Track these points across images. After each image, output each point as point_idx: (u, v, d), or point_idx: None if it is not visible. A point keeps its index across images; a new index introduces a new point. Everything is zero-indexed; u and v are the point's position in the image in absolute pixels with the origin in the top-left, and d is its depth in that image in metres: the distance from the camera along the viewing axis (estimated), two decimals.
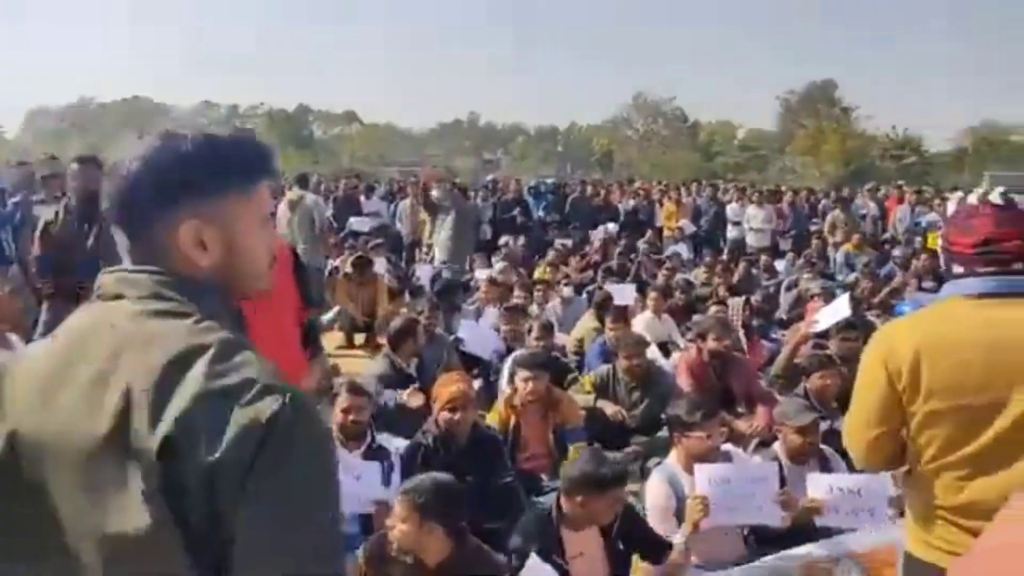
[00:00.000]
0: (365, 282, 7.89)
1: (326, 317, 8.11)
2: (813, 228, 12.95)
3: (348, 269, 8.05)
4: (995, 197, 3.21)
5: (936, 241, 11.17)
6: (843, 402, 4.26)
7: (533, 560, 2.52)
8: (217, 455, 0.88)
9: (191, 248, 1.03)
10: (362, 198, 12.93)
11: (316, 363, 3.21)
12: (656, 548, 2.88)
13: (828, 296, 6.50)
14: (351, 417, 3.45)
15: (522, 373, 4.24)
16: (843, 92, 48.36)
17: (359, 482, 3.10)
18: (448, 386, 3.58)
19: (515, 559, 2.61)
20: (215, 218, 1.05)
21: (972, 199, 3.16)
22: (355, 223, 11.10)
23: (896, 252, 10.81)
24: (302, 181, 8.51)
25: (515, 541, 2.74)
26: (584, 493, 2.74)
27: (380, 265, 8.75)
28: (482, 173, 27.30)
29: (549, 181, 16.63)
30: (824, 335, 5.19)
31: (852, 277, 9.20)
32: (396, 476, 3.30)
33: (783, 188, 17.41)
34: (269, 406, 0.90)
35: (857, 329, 4.99)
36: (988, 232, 1.82)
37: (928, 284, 8.13)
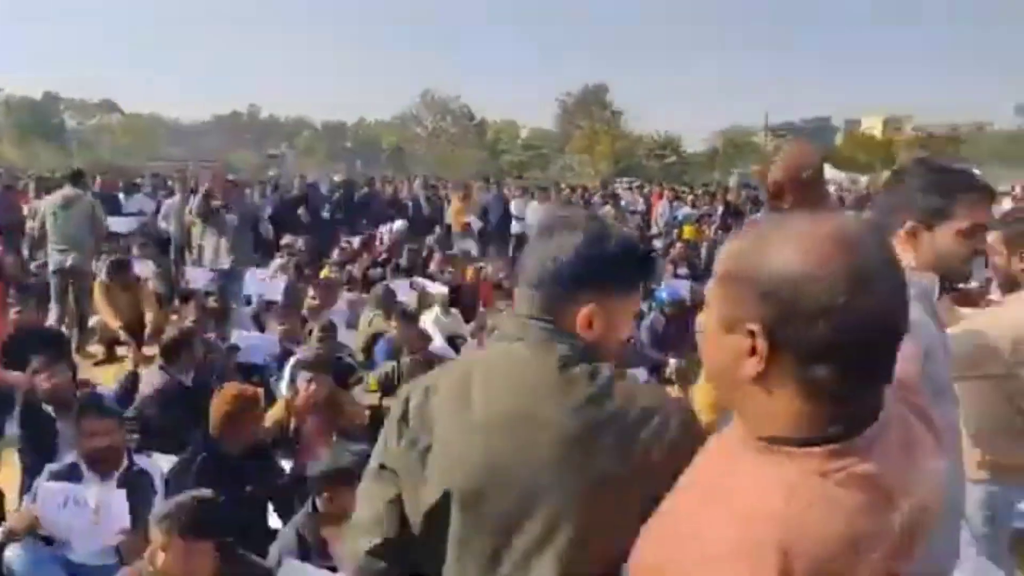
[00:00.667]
0: (127, 287, 7.19)
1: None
2: None
3: (104, 275, 7.29)
4: None
5: (691, 232, 12.56)
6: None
7: (287, 563, 2.45)
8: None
9: (583, 324, 1.26)
10: (122, 196, 11.77)
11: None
12: None
13: None
14: (96, 443, 3.11)
15: (303, 375, 4.11)
16: (614, 95, 52.15)
17: (99, 514, 2.81)
18: (226, 401, 3.37)
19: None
20: (607, 307, 1.27)
21: None
22: (114, 223, 10.07)
23: (657, 243, 11.90)
24: (76, 178, 7.69)
25: (272, 554, 2.66)
26: (331, 488, 2.71)
27: (145, 269, 8.02)
28: (265, 168, 26.00)
29: (336, 178, 16.23)
30: None
31: None
32: (160, 499, 3.05)
33: (562, 185, 18.37)
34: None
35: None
36: None
37: (683, 271, 9.01)
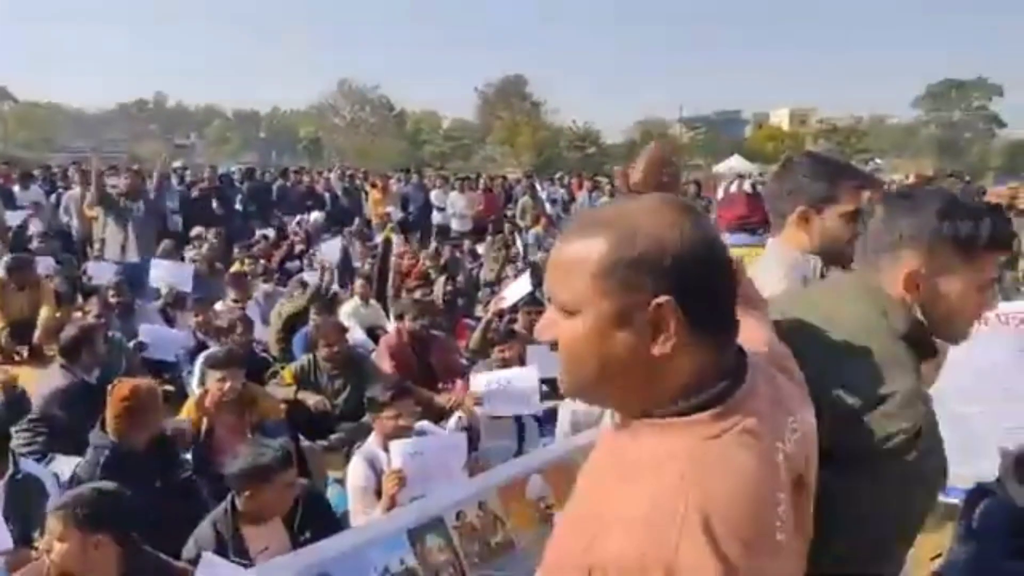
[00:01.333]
0: (24, 286, 6.82)
1: None
2: (509, 213, 13.90)
3: (1, 272, 6.88)
4: (747, 187, 4.01)
5: None
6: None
7: (205, 557, 2.39)
8: None
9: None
10: (16, 188, 11.09)
11: None
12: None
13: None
14: None
15: (214, 374, 3.98)
16: (533, 87, 52.42)
17: None
18: (124, 398, 3.23)
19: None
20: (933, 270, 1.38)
21: (733, 188, 3.88)
22: (10, 217, 9.50)
23: None
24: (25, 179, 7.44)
25: (189, 549, 2.59)
26: (249, 486, 2.67)
27: (45, 266, 7.61)
28: (175, 159, 24.97)
29: (242, 168, 15.73)
30: (515, 309, 5.64)
31: (540, 256, 10.04)
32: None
33: (483, 176, 18.40)
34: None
35: (540, 303, 5.47)
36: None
37: None
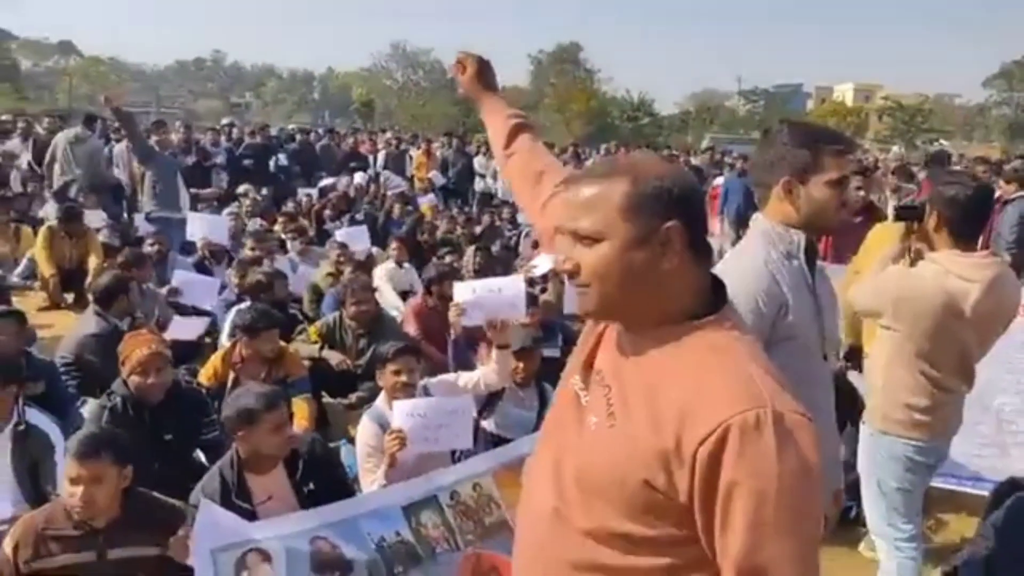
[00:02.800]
0: (74, 235, 7.03)
1: (16, 272, 7.16)
2: None
3: (54, 221, 7.11)
4: None
5: None
6: (549, 332, 4.66)
7: (204, 505, 2.44)
8: None
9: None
10: None
11: None
12: (339, 491, 2.92)
13: None
14: None
15: (243, 337, 4.04)
16: (587, 54, 51.59)
17: None
18: (138, 348, 3.28)
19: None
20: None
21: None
22: (57, 170, 9.72)
23: None
24: (89, 121, 8.30)
25: (195, 495, 2.65)
26: (238, 428, 2.71)
27: (96, 217, 7.82)
28: (230, 118, 25.35)
29: (291, 128, 15.84)
30: (545, 278, 5.60)
31: None
32: (59, 457, 2.88)
33: None
34: None
35: None
36: None
37: None
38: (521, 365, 3.74)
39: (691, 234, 1.17)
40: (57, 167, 8.67)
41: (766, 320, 1.79)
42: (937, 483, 3.73)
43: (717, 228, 9.75)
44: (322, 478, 2.86)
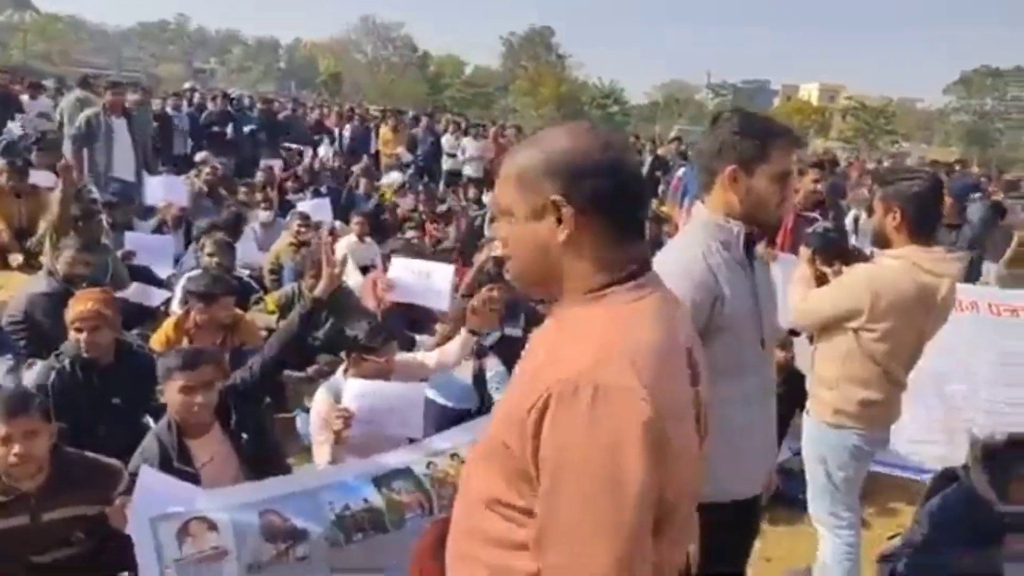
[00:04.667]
0: (22, 194, 6.81)
1: None
2: None
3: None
4: None
5: None
6: (512, 312, 4.67)
7: (144, 471, 2.40)
8: None
9: None
10: (25, 97, 10.99)
11: None
12: (269, 447, 2.93)
13: None
14: None
15: (197, 304, 3.94)
16: (560, 39, 51.45)
17: None
18: (80, 304, 3.20)
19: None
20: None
21: None
22: (12, 127, 9.43)
23: None
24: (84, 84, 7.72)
25: (135, 461, 2.59)
26: (161, 383, 2.68)
27: (45, 179, 7.58)
28: (192, 83, 24.68)
29: (249, 96, 15.52)
30: None
31: None
32: None
33: (497, 124, 18.12)
34: None
35: None
36: None
37: None
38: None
39: (591, 210, 1.15)
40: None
41: (702, 311, 1.80)
42: (882, 470, 3.87)
43: (681, 218, 9.85)
44: (253, 425, 2.84)
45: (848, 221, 7.45)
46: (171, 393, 2.63)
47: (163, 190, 6.69)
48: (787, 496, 3.59)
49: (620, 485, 1.03)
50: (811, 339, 3.27)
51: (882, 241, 2.67)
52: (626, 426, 1.03)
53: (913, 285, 2.56)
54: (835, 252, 3.29)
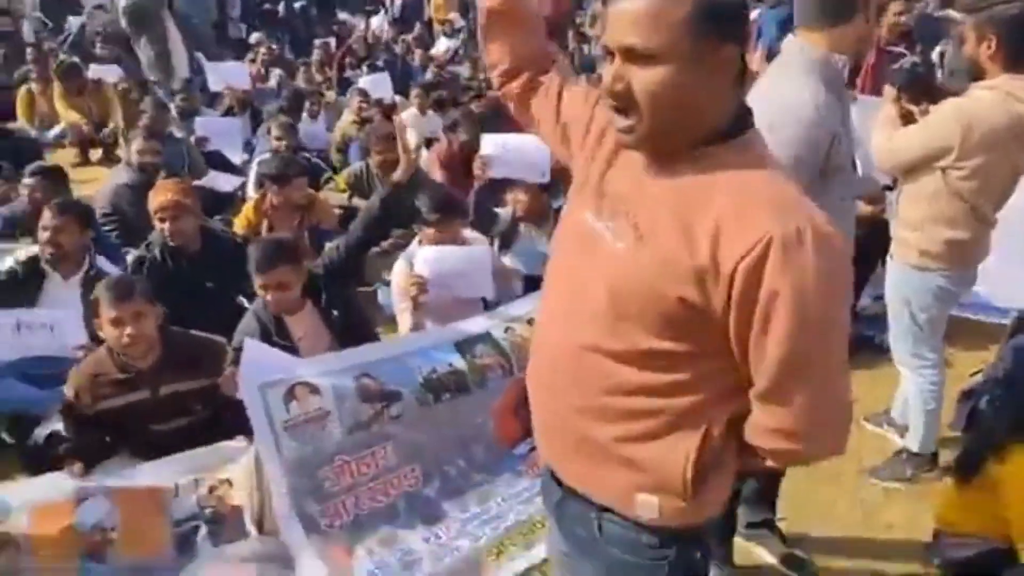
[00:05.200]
0: (85, 91, 6.96)
1: (51, 133, 7.17)
2: (578, 20, 13.05)
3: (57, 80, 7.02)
4: None
5: None
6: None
7: (248, 343, 2.56)
8: None
9: None
10: None
11: None
12: (359, 320, 3.06)
13: None
14: (58, 239, 3.14)
15: (271, 186, 4.04)
16: None
17: (55, 332, 2.80)
18: (160, 195, 3.33)
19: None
20: None
21: None
22: (73, 21, 9.48)
23: None
24: None
25: (236, 339, 2.76)
26: (260, 276, 2.77)
27: (112, 72, 7.69)
28: None
29: None
30: None
31: None
32: None
33: None
34: None
35: None
36: None
37: None
38: (526, 199, 3.82)
39: (737, 44, 1.13)
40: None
41: (820, 151, 1.78)
42: (967, 315, 3.79)
43: (755, 62, 9.34)
44: (343, 303, 2.97)
45: (934, 55, 6.91)
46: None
47: (224, 76, 6.71)
48: (867, 340, 3.60)
49: (845, 320, 1.13)
50: (894, 183, 3.16)
51: (975, 72, 2.49)
52: (846, 267, 1.12)
53: (1007, 116, 2.41)
54: (922, 89, 3.08)
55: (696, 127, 1.15)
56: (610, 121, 1.20)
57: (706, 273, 1.09)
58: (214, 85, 6.80)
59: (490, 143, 3.79)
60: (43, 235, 3.15)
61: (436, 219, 3.31)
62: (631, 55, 1.11)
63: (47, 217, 3.17)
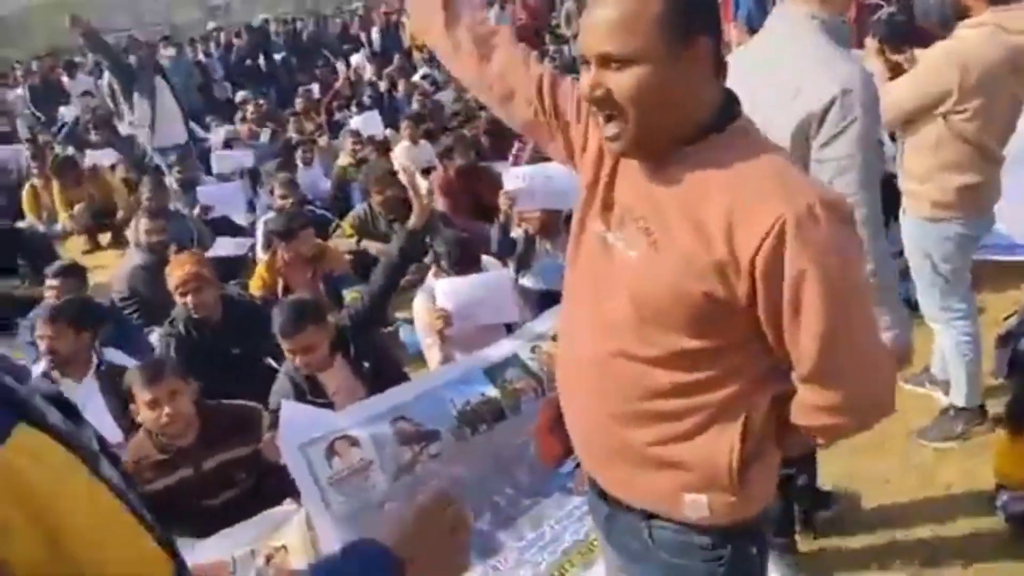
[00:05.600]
0: (83, 180, 7.05)
1: (57, 226, 7.28)
2: (553, 23, 13.09)
3: (53, 175, 7.09)
4: None
5: None
6: None
7: (285, 405, 2.58)
8: None
9: None
10: (64, 79, 11.18)
11: None
12: (390, 366, 3.06)
13: None
14: (54, 346, 3.12)
15: (280, 243, 4.09)
16: None
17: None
18: (177, 269, 3.38)
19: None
20: None
21: None
22: (64, 112, 9.66)
23: None
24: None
25: (272, 401, 2.78)
26: (291, 338, 2.78)
27: (107, 156, 7.81)
28: (214, 22, 24.33)
29: (260, 18, 15.18)
30: None
31: None
32: None
33: None
34: None
35: None
36: None
37: None
38: (536, 217, 3.77)
39: (714, 34, 1.14)
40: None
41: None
42: (991, 257, 3.73)
43: (733, 35, 9.27)
44: (373, 352, 2.99)
45: None
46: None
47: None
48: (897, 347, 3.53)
49: (868, 287, 1.20)
50: (892, 137, 3.12)
51: (959, 11, 2.47)
52: (857, 233, 1.17)
53: (1002, 50, 2.39)
54: (903, 37, 3.05)
55: (682, 124, 1.15)
56: (601, 134, 1.20)
57: (727, 266, 1.10)
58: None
59: (512, 178, 3.69)
60: (40, 345, 3.14)
61: (456, 271, 3.32)
62: (607, 61, 1.11)
63: (39, 327, 3.15)
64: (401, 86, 9.57)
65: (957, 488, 2.62)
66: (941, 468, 2.72)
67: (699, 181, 1.14)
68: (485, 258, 3.65)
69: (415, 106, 8.50)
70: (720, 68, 1.17)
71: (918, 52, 2.73)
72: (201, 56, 11.54)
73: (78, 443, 0.79)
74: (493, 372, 2.90)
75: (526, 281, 3.81)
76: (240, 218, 5.79)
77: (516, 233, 4.02)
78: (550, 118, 1.39)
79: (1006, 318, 3.12)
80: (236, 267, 4.95)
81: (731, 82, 1.22)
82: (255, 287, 4.19)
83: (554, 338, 2.97)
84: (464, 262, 3.32)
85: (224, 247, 4.99)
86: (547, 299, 3.81)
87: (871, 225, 1.70)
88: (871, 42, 2.91)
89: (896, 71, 2.75)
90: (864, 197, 1.68)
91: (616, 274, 1.24)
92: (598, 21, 1.12)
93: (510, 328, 3.38)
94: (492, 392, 2.83)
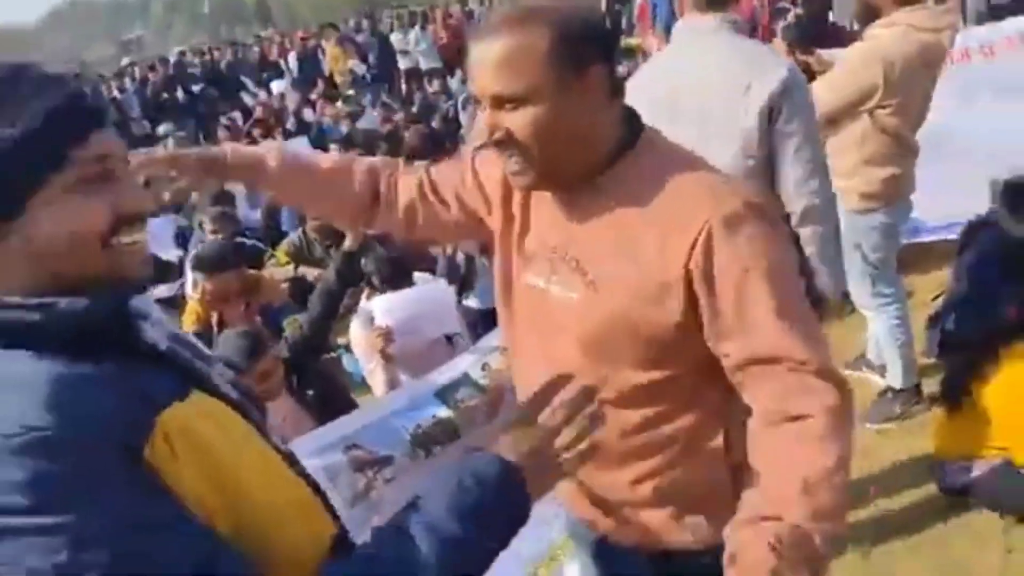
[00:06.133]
0: None
1: None
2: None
3: None
4: None
5: None
6: None
7: None
8: None
9: None
10: None
11: None
12: (336, 392, 3.00)
13: None
14: None
15: (206, 283, 3.93)
16: None
17: None
18: None
19: None
20: None
21: None
22: None
23: None
24: None
25: None
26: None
27: None
28: (128, 58, 23.69)
29: (176, 50, 14.88)
30: None
31: None
32: None
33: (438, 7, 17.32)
34: None
35: None
36: None
37: None
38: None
39: (608, 58, 1.12)
40: None
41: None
42: (914, 240, 3.88)
43: (653, 44, 9.50)
44: (317, 383, 2.92)
45: None
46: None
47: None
48: (825, 293, 3.65)
49: (798, 279, 1.16)
50: None
51: (868, 14, 2.58)
52: (785, 235, 1.20)
53: (916, 46, 2.51)
54: (812, 39, 3.18)
55: (587, 152, 1.13)
56: (504, 170, 1.16)
57: (669, 284, 1.10)
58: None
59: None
60: None
61: (389, 288, 3.25)
62: (500, 102, 1.08)
63: None
64: (327, 111, 9.47)
65: (899, 466, 2.70)
66: (883, 448, 2.80)
67: (624, 207, 1.13)
68: (417, 274, 3.60)
69: (343, 129, 8.43)
70: (617, 89, 1.14)
71: (834, 52, 2.84)
72: (116, 93, 11.17)
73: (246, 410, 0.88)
74: (445, 393, 2.86)
75: (469, 302, 3.78)
76: (168, 252, 5.61)
77: (459, 257, 4.00)
78: (459, 213, 1.37)
79: (934, 299, 3.24)
80: (168, 308, 4.78)
81: (648, 89, 1.24)
82: (189, 323, 4.03)
83: (504, 351, 2.96)
84: (395, 279, 3.28)
85: (152, 295, 4.81)
86: (489, 318, 3.80)
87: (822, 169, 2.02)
88: (780, 44, 3.03)
89: (806, 72, 2.85)
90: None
91: (559, 320, 1.20)
92: (485, 61, 1.08)
93: (450, 339, 3.36)
94: (444, 413, 2.79)
